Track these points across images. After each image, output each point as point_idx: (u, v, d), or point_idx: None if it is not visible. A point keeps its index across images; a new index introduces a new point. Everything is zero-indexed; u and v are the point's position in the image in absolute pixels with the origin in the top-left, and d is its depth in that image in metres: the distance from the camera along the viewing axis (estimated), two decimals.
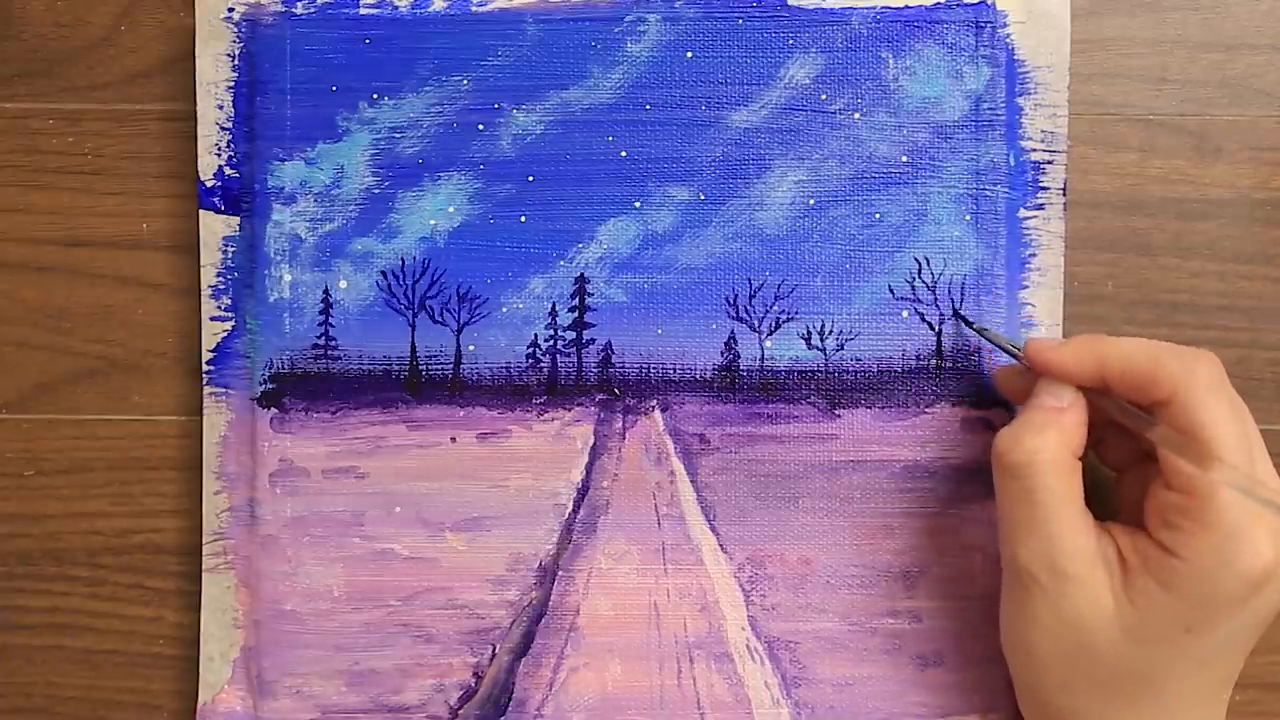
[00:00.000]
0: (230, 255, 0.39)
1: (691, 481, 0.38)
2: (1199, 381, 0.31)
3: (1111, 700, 0.32)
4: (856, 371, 0.38)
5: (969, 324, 0.38)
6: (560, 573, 0.38)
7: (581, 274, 0.38)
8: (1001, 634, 0.35)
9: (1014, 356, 0.36)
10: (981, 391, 0.38)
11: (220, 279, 0.39)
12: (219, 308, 0.39)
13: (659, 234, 0.38)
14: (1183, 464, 0.31)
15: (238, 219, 0.39)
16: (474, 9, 0.38)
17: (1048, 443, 0.32)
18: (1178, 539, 0.31)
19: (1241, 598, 0.31)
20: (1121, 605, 0.32)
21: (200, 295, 0.39)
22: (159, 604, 0.40)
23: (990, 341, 0.37)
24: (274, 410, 0.38)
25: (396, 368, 0.39)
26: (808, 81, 0.38)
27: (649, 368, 0.39)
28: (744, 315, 0.38)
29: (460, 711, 0.38)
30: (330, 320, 0.39)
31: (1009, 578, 0.34)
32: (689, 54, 0.38)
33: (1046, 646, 0.33)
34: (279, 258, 0.38)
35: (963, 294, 0.38)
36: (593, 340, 0.39)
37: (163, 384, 0.40)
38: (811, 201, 0.38)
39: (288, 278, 0.38)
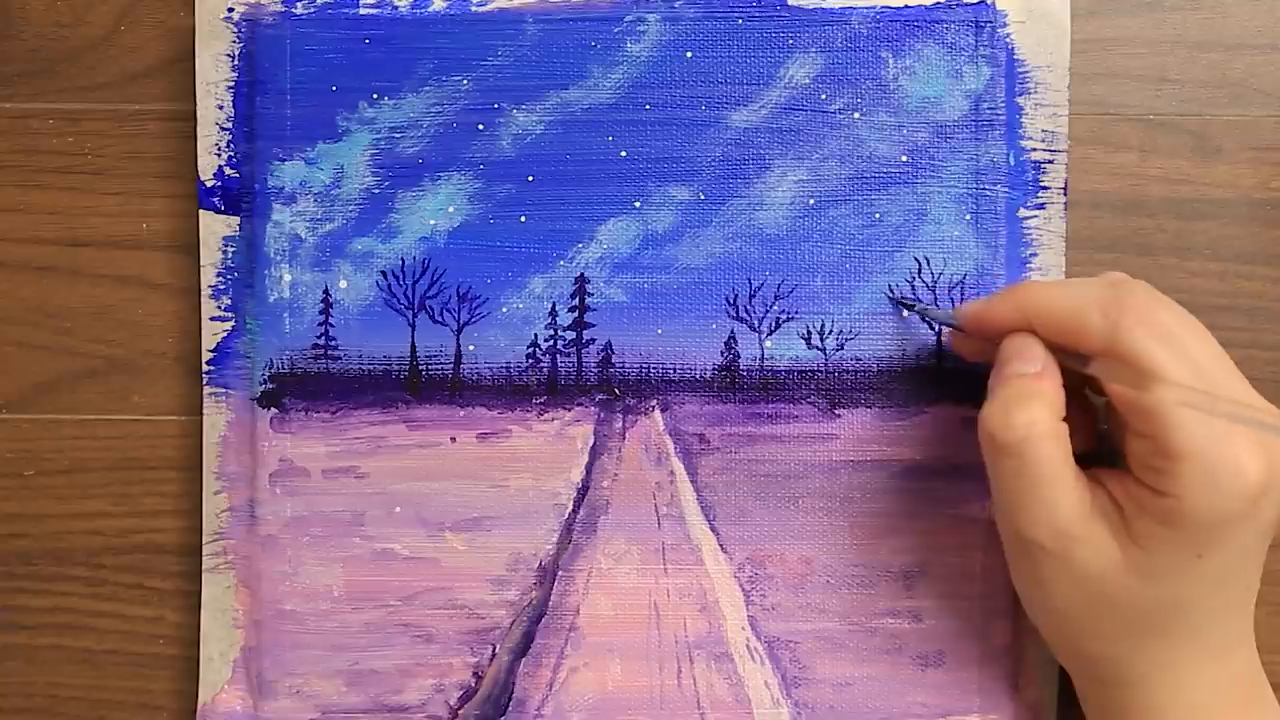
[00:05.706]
0: (230, 255, 0.39)
1: (691, 481, 0.38)
2: (1126, 323, 0.31)
3: (1143, 639, 0.32)
4: (856, 371, 0.38)
5: (909, 306, 0.38)
6: (560, 573, 0.38)
7: (581, 274, 0.38)
8: (1021, 599, 0.35)
9: (955, 328, 0.36)
10: (981, 391, 0.38)
11: (220, 279, 0.39)
12: (219, 308, 0.39)
13: (659, 234, 0.38)
14: (1128, 393, 0.30)
15: (238, 219, 0.39)
16: (474, 9, 0.38)
17: (1038, 415, 0.32)
18: (1161, 478, 0.31)
19: (1241, 515, 0.30)
20: (1129, 550, 0.31)
21: (200, 295, 0.39)
22: (159, 604, 0.40)
23: (930, 319, 0.38)
24: (274, 410, 0.38)
25: (396, 368, 0.39)
26: (807, 81, 0.38)
27: (649, 368, 0.39)
28: (744, 315, 0.38)
29: (460, 711, 0.38)
30: (330, 320, 0.39)
31: (1013, 549, 0.34)
32: (689, 54, 0.38)
33: (1067, 605, 0.33)
34: (279, 258, 0.38)
35: (963, 294, 0.38)
36: (593, 340, 0.39)
37: (163, 384, 0.40)
38: (811, 201, 0.38)
39: (288, 278, 0.38)
